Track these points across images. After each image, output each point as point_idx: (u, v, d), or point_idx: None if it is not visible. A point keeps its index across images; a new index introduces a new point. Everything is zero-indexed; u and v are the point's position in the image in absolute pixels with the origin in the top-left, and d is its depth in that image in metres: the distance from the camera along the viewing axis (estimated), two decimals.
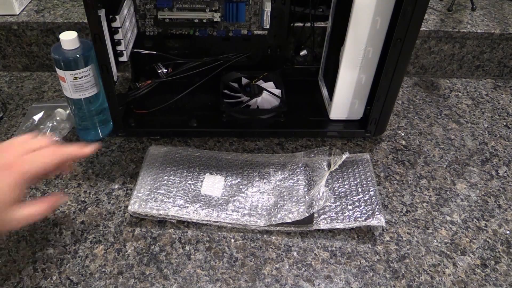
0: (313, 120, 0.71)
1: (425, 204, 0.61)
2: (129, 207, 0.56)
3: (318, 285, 0.51)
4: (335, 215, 0.57)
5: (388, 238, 0.56)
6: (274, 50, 0.78)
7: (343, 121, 0.70)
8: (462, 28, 0.85)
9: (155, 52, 0.72)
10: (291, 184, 0.61)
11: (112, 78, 0.61)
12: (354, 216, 0.56)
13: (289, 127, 0.70)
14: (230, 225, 0.56)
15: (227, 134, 0.70)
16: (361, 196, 0.59)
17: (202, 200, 0.58)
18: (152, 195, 0.58)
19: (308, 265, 0.52)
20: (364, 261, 0.53)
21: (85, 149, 0.48)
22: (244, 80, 0.75)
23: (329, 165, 0.63)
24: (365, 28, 0.59)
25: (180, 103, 0.71)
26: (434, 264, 0.54)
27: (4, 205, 0.41)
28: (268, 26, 0.73)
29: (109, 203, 0.59)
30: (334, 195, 0.59)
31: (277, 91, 0.73)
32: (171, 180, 0.60)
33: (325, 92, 0.75)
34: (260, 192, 0.60)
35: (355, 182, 0.61)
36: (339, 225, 0.56)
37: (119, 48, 0.64)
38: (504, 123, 0.77)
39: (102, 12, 0.56)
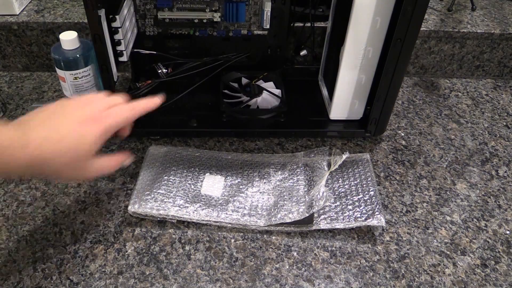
0: (313, 120, 0.71)
1: (425, 204, 0.61)
2: (129, 207, 0.56)
3: (318, 285, 0.51)
4: (335, 215, 0.57)
5: (388, 238, 0.56)
6: (274, 50, 0.78)
7: (343, 121, 0.70)
8: (462, 28, 0.85)
9: (155, 52, 0.72)
10: (291, 184, 0.61)
11: (112, 78, 0.61)
12: (354, 216, 0.56)
13: (289, 127, 0.70)
14: (230, 225, 0.56)
15: (227, 134, 0.70)
16: (361, 196, 0.59)
17: (202, 200, 0.58)
18: (152, 195, 0.58)
19: (308, 265, 0.52)
20: (364, 261, 0.53)
21: (155, 100, 0.51)
22: (244, 80, 0.75)
23: (329, 165, 0.63)
24: (365, 28, 0.59)
25: (180, 103, 0.71)
26: (434, 264, 0.54)
27: (89, 154, 0.44)
28: (268, 26, 0.73)
29: (109, 203, 0.59)
30: (334, 195, 0.59)
31: (277, 91, 0.73)
32: (171, 180, 0.60)
33: (325, 92, 0.75)
34: (260, 192, 0.60)
35: (355, 182, 0.61)
36: (339, 225, 0.56)
37: (119, 48, 0.64)
38: (504, 123, 0.77)
39: (102, 12, 0.56)
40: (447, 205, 0.61)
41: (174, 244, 0.54)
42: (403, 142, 0.71)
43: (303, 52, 0.84)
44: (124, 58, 0.65)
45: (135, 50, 0.71)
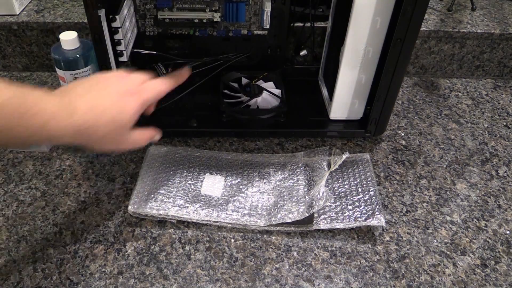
0: (313, 120, 0.71)
1: (425, 204, 0.61)
2: (129, 207, 0.56)
3: (318, 285, 0.51)
4: (335, 215, 0.57)
5: (388, 238, 0.56)
6: (274, 50, 0.78)
7: (343, 121, 0.70)
8: (462, 28, 0.85)
9: (155, 52, 0.72)
10: (291, 184, 0.61)
11: None
12: (354, 216, 0.56)
13: (289, 127, 0.70)
14: (230, 225, 0.56)
15: (227, 134, 0.70)
16: (361, 196, 0.59)
17: (202, 200, 0.58)
18: (152, 195, 0.58)
19: (308, 265, 0.52)
20: (364, 261, 0.53)
21: (184, 73, 0.54)
22: (244, 80, 0.75)
23: (329, 165, 0.63)
24: (365, 28, 0.59)
25: (180, 103, 0.71)
26: (434, 264, 0.54)
27: (128, 126, 0.46)
28: (268, 26, 0.73)
29: (109, 203, 0.59)
30: (334, 195, 0.59)
31: (277, 91, 0.73)
32: (171, 180, 0.60)
33: (325, 92, 0.75)
34: (260, 192, 0.60)
35: (355, 182, 0.61)
36: (339, 225, 0.56)
37: (119, 48, 0.63)
38: (504, 123, 0.77)
39: (102, 12, 0.56)
40: (447, 205, 0.61)
41: (174, 244, 0.54)
42: (403, 142, 0.71)
43: (303, 52, 0.84)
44: (124, 58, 0.65)
45: (135, 50, 0.71)
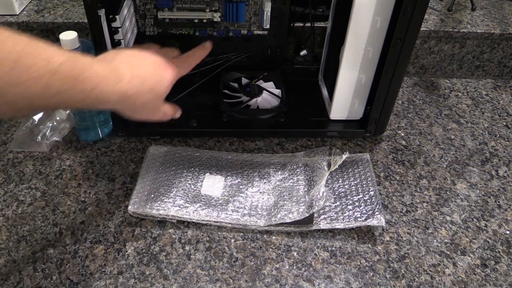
0: (313, 120, 0.71)
1: (425, 204, 0.61)
2: (129, 207, 0.56)
3: (318, 285, 0.51)
4: (335, 215, 0.57)
5: (388, 238, 0.56)
6: (274, 50, 0.78)
7: (343, 121, 0.70)
8: (462, 28, 0.85)
9: None
10: (291, 184, 0.61)
11: None
12: (354, 216, 0.56)
13: (289, 127, 0.70)
14: (230, 225, 0.56)
15: (227, 134, 0.70)
16: (361, 196, 0.59)
17: (202, 200, 0.58)
18: (152, 195, 0.58)
19: (308, 265, 0.52)
20: (364, 261, 0.53)
21: (206, 47, 0.56)
22: (244, 80, 0.75)
23: (329, 165, 0.63)
24: (365, 28, 0.59)
25: (180, 103, 0.71)
26: (434, 264, 0.54)
27: (162, 96, 0.49)
28: (268, 26, 0.73)
29: (109, 203, 0.59)
30: (334, 195, 0.59)
31: (277, 91, 0.73)
32: (171, 180, 0.60)
33: (325, 92, 0.75)
34: (260, 192, 0.60)
35: (355, 182, 0.61)
36: (339, 225, 0.56)
37: (119, 48, 0.64)
38: (504, 123, 0.77)
39: (102, 12, 0.56)
40: (447, 205, 0.61)
41: (174, 244, 0.54)
42: (403, 142, 0.71)
43: (303, 52, 0.84)
44: None
45: None
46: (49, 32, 0.81)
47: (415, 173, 0.66)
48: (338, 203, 0.59)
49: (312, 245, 0.55)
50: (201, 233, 0.56)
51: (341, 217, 0.56)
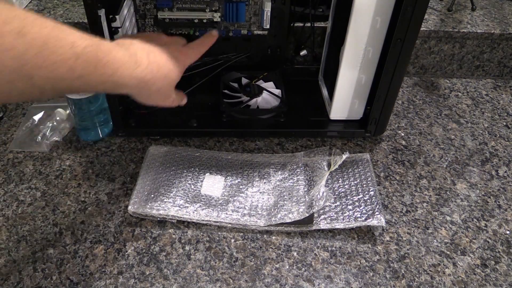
0: (313, 120, 0.71)
1: (425, 204, 0.61)
2: (129, 207, 0.56)
3: (318, 285, 0.51)
4: (335, 215, 0.57)
5: (388, 238, 0.56)
6: (274, 50, 0.78)
7: (343, 121, 0.70)
8: (462, 28, 0.85)
9: None
10: (291, 184, 0.61)
11: None
12: (354, 216, 0.56)
13: (289, 127, 0.70)
14: (230, 225, 0.56)
15: (227, 134, 0.70)
16: (361, 196, 0.59)
17: (202, 200, 0.58)
18: (152, 195, 0.58)
19: (308, 265, 0.52)
20: (364, 261, 0.53)
21: (213, 36, 0.57)
22: (244, 80, 0.75)
23: (329, 165, 0.63)
24: (365, 28, 0.59)
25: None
26: (434, 264, 0.54)
27: (175, 83, 0.50)
28: (268, 26, 0.73)
29: (109, 203, 0.59)
30: (334, 195, 0.59)
31: (277, 91, 0.73)
32: (171, 180, 0.60)
33: (325, 92, 0.75)
34: (260, 192, 0.60)
35: (355, 182, 0.61)
36: (339, 225, 0.56)
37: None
38: (504, 123, 0.77)
39: (102, 12, 0.56)
40: (447, 205, 0.61)
41: (174, 244, 0.54)
42: (403, 142, 0.71)
43: (303, 52, 0.84)
44: None
45: None
46: None
47: (415, 173, 0.66)
48: (338, 203, 0.59)
49: (312, 245, 0.55)
50: (201, 233, 0.56)
51: (341, 217, 0.56)
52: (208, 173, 0.62)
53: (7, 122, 0.72)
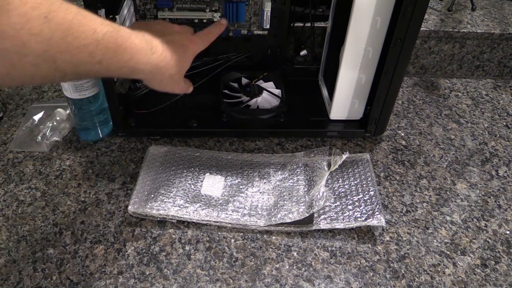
0: (313, 120, 0.71)
1: (425, 204, 0.61)
2: (129, 207, 0.56)
3: (318, 285, 0.51)
4: (335, 215, 0.57)
5: (388, 238, 0.56)
6: (274, 50, 0.78)
7: (343, 121, 0.70)
8: (462, 28, 0.85)
9: None
10: (291, 184, 0.61)
11: (112, 78, 0.61)
12: (354, 216, 0.56)
13: (289, 127, 0.70)
14: (230, 225, 0.56)
15: (227, 134, 0.70)
16: (361, 196, 0.59)
17: (202, 200, 0.58)
18: (152, 195, 0.58)
19: (308, 265, 0.53)
20: (364, 261, 0.53)
21: (222, 24, 0.58)
22: (244, 80, 0.75)
23: (329, 165, 0.63)
24: (365, 28, 0.59)
25: (180, 103, 0.71)
26: (434, 264, 0.54)
27: (185, 70, 0.51)
28: (268, 26, 0.73)
29: (109, 203, 0.59)
30: (334, 195, 0.59)
31: (277, 91, 0.73)
32: (171, 180, 0.60)
33: (325, 92, 0.75)
34: (260, 192, 0.60)
35: (355, 182, 0.61)
36: (339, 225, 0.56)
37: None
38: (504, 123, 0.77)
39: (102, 12, 0.56)
40: (447, 205, 0.61)
41: (174, 244, 0.54)
42: (403, 142, 0.71)
43: (303, 52, 0.84)
44: None
45: None
46: None
47: (415, 173, 0.66)
48: (338, 203, 0.59)
49: (312, 245, 0.55)
50: (201, 233, 0.56)
51: (341, 217, 0.56)
52: (208, 173, 0.62)
53: (7, 122, 0.72)
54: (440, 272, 0.53)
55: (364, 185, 0.61)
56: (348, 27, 0.59)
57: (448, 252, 0.55)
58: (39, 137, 0.67)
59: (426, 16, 0.87)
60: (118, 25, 0.40)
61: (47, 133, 0.68)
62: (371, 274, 0.52)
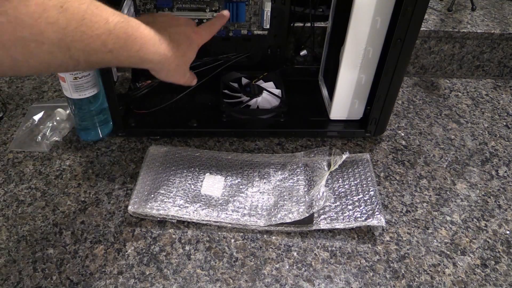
0: (313, 120, 0.71)
1: (425, 204, 0.61)
2: (129, 207, 0.56)
3: (318, 285, 0.51)
4: (335, 215, 0.57)
5: (388, 238, 0.56)
6: (274, 50, 0.78)
7: (343, 121, 0.70)
8: (462, 28, 0.85)
9: None
10: (291, 184, 0.61)
11: (112, 78, 0.61)
12: (354, 216, 0.56)
13: (289, 127, 0.70)
14: (230, 225, 0.56)
15: (227, 134, 0.70)
16: (361, 196, 0.59)
17: (202, 200, 0.58)
18: (152, 195, 0.58)
19: (308, 265, 0.53)
20: (364, 261, 0.53)
21: (225, 15, 0.58)
22: (244, 80, 0.75)
23: (329, 165, 0.63)
24: (365, 28, 0.59)
25: (180, 103, 0.71)
26: (434, 264, 0.54)
27: (189, 62, 0.52)
28: (268, 26, 0.73)
29: (109, 203, 0.59)
30: (334, 195, 0.59)
31: (277, 91, 0.73)
32: (171, 180, 0.60)
33: (325, 92, 0.75)
34: (260, 192, 0.60)
35: (355, 182, 0.61)
36: (339, 225, 0.56)
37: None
38: (504, 123, 0.77)
39: None
40: (447, 205, 0.61)
41: (174, 244, 0.54)
42: (403, 142, 0.71)
43: (303, 52, 0.84)
44: None
45: None
46: None
47: (415, 173, 0.66)
48: (338, 203, 0.59)
49: (312, 245, 0.55)
50: (201, 233, 0.56)
51: (341, 217, 0.56)
52: (208, 173, 0.62)
53: (7, 122, 0.72)
54: (440, 272, 0.53)
55: (364, 185, 0.61)
56: (348, 27, 0.59)
57: (448, 252, 0.55)
58: (39, 137, 0.67)
59: (426, 16, 0.87)
60: (128, 16, 0.40)
61: (47, 133, 0.68)
62: (371, 274, 0.52)
